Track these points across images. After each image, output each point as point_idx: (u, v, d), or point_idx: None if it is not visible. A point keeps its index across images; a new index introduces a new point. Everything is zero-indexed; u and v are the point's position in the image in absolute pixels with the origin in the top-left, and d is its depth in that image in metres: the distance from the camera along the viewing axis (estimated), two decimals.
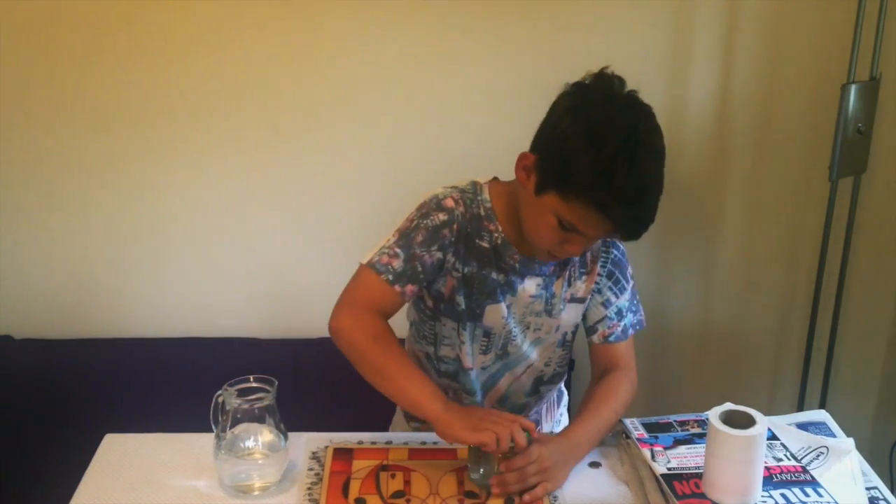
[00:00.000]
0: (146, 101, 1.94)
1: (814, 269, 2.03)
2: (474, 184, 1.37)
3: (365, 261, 1.32)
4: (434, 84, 1.95)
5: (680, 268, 2.15)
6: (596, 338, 1.44)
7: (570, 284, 1.40)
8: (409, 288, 1.31)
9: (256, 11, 1.88)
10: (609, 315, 1.42)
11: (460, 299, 1.37)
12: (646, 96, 1.96)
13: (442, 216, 1.31)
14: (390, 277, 1.30)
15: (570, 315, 1.42)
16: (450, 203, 1.32)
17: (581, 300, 1.42)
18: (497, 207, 1.34)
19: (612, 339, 1.43)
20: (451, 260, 1.34)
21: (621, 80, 1.25)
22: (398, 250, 1.31)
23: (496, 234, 1.34)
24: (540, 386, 1.51)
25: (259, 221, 2.06)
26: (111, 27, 1.88)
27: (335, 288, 2.22)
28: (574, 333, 1.48)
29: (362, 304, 1.32)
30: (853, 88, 1.82)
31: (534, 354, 1.45)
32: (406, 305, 1.50)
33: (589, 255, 1.40)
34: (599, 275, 1.41)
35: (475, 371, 1.45)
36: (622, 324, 1.43)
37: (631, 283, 1.44)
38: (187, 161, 1.99)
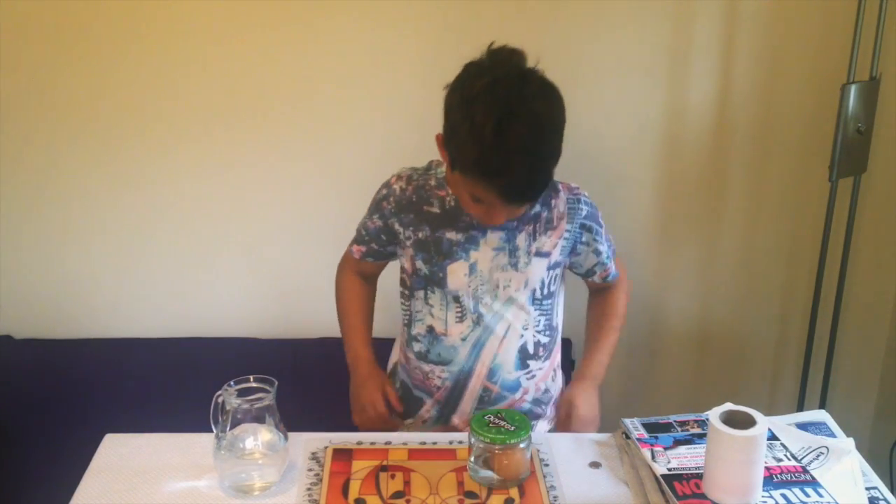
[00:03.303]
0: (146, 101, 1.94)
1: (814, 269, 2.03)
2: (431, 161, 1.54)
3: None
4: (434, 85, 1.94)
5: (680, 268, 2.15)
6: (596, 279, 1.60)
7: (535, 238, 1.48)
8: (356, 248, 1.61)
9: (259, 13, 1.88)
10: (602, 260, 1.58)
11: (421, 264, 1.50)
12: (646, 96, 1.99)
13: (383, 192, 1.53)
14: (350, 243, 1.63)
15: (535, 269, 1.49)
16: (392, 181, 1.53)
17: (546, 255, 1.49)
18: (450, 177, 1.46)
19: (609, 279, 1.61)
20: (399, 228, 1.51)
21: (514, 53, 1.32)
22: (360, 222, 1.59)
23: (448, 198, 1.47)
24: (528, 360, 1.53)
25: (259, 221, 2.06)
26: (111, 28, 1.88)
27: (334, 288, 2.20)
28: (547, 296, 1.52)
29: (345, 264, 1.69)
30: (853, 88, 1.82)
31: (508, 314, 1.50)
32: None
33: (556, 212, 1.49)
34: (569, 231, 1.50)
35: (452, 339, 1.50)
36: (610, 264, 1.59)
37: (603, 225, 1.56)
38: (187, 161, 1.99)
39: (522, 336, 1.52)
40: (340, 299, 1.67)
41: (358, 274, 1.65)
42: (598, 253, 1.56)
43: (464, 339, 1.50)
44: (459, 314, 1.49)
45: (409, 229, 1.49)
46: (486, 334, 1.51)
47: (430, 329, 1.51)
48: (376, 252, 1.59)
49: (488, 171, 1.29)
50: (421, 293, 1.51)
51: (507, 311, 1.50)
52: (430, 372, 1.54)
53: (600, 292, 1.64)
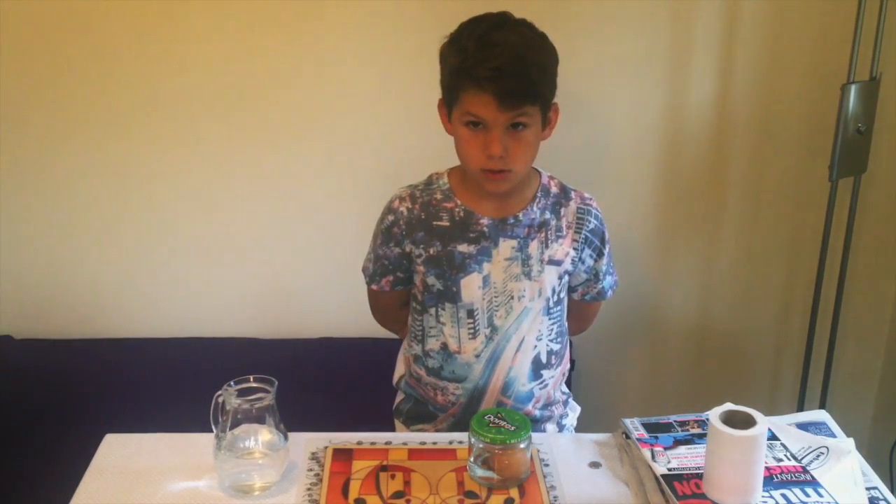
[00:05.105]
0: (147, 101, 1.94)
1: (814, 269, 2.03)
2: (430, 175, 1.51)
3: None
4: (433, 86, 1.94)
5: (680, 268, 2.15)
6: (576, 296, 1.58)
7: (546, 246, 1.47)
8: (385, 281, 1.53)
9: (259, 11, 1.88)
10: (589, 278, 1.55)
11: (433, 280, 1.47)
12: (646, 96, 1.99)
13: (390, 217, 1.49)
14: (368, 279, 1.56)
15: (549, 277, 1.48)
16: (395, 204, 1.49)
17: (558, 263, 1.48)
18: (455, 185, 1.47)
19: (587, 298, 1.58)
20: (411, 248, 1.47)
21: (500, 12, 1.37)
22: (370, 254, 1.55)
23: (457, 209, 1.46)
24: (541, 370, 1.52)
25: (259, 222, 2.06)
26: (110, 27, 1.89)
27: (334, 288, 2.22)
28: (557, 303, 1.51)
29: (375, 313, 1.64)
30: (853, 88, 1.82)
31: (523, 326, 1.48)
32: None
33: (564, 221, 1.48)
34: (576, 241, 1.48)
35: (466, 356, 1.48)
36: (599, 286, 1.56)
37: (608, 246, 1.54)
38: (187, 161, 2.00)
39: (536, 347, 1.50)
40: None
41: (397, 305, 1.58)
42: (588, 270, 1.53)
43: (478, 356, 1.48)
44: (472, 330, 1.47)
45: (420, 247, 1.46)
46: (500, 349, 1.49)
47: (444, 346, 1.49)
48: (404, 280, 1.53)
49: (474, 68, 1.30)
50: (433, 310, 1.49)
51: (521, 322, 1.48)
52: (444, 388, 1.51)
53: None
